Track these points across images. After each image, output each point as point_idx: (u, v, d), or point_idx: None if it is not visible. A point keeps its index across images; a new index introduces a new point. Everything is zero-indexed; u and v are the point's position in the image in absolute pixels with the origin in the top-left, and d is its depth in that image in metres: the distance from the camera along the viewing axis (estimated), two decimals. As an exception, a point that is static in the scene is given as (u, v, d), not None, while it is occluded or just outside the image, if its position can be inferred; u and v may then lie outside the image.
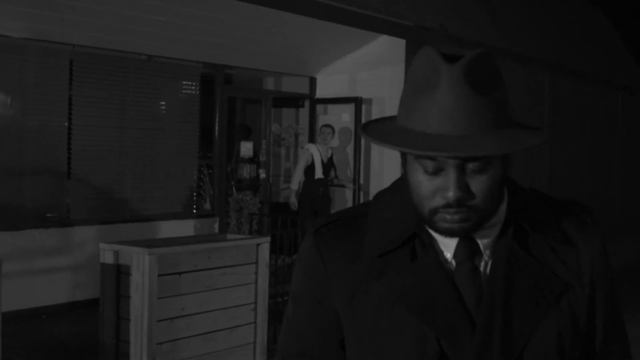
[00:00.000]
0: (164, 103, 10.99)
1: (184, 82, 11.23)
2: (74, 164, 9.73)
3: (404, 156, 1.76)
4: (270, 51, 12.11)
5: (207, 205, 11.75)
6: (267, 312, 7.64)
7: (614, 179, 21.52)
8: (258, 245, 7.56)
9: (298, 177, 12.20)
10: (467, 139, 1.60)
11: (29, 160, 9.35)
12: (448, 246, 1.78)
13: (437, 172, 1.67)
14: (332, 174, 12.53)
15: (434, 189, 1.68)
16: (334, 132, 12.57)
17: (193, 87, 11.32)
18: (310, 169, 12.16)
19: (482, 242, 1.79)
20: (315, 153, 12.19)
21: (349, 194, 13.28)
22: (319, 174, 12.17)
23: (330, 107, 13.66)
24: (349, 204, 13.17)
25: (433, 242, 1.78)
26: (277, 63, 12.68)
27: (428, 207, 1.70)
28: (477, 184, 1.67)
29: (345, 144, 13.54)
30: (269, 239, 7.72)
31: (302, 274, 1.90)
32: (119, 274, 6.70)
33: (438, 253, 1.78)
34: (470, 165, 1.66)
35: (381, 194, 1.96)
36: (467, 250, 1.78)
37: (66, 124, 9.62)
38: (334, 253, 1.85)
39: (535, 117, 16.55)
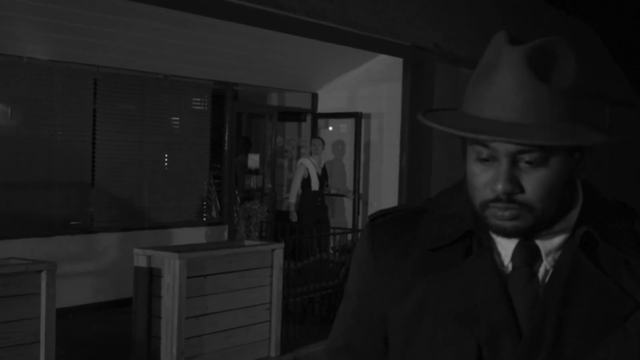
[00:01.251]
0: (178, 118, 11.73)
1: (196, 99, 11.97)
2: (98, 176, 10.44)
3: (464, 145, 1.65)
4: (274, 69, 12.84)
5: (214, 214, 12.43)
6: (280, 311, 8.37)
7: (604, 191, 22.14)
8: (273, 250, 8.30)
9: (296, 190, 12.75)
10: (519, 126, 1.49)
11: (56, 172, 10.05)
12: (507, 249, 1.64)
13: (489, 160, 1.56)
14: (327, 184, 13.16)
15: (486, 180, 1.57)
16: (323, 144, 13.12)
17: (204, 104, 12.06)
18: (306, 181, 12.72)
19: (544, 248, 1.64)
20: (310, 166, 12.76)
21: (348, 202, 14.03)
22: (315, 186, 12.74)
23: (331, 121, 14.43)
24: (349, 213, 13.95)
25: (491, 243, 1.65)
26: (281, 80, 13.40)
27: (480, 199, 1.59)
28: (531, 179, 1.54)
29: (340, 155, 14.30)
30: (282, 245, 8.47)
31: (354, 266, 1.83)
32: (151, 277, 7.43)
33: (494, 254, 1.64)
34: (525, 157, 1.53)
35: (445, 190, 1.86)
36: (526, 255, 1.64)
37: (91, 138, 10.34)
38: (385, 247, 1.75)
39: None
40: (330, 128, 14.34)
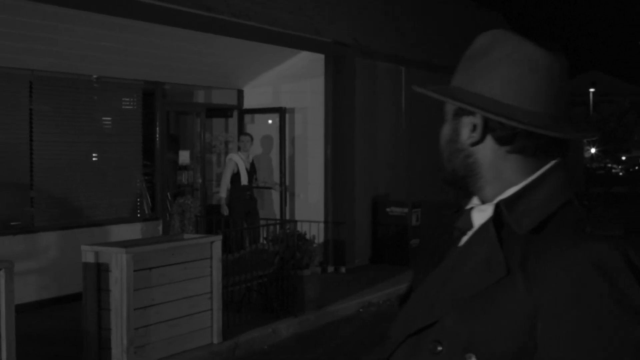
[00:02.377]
0: (110, 118, 12.08)
1: (127, 99, 12.32)
2: (36, 176, 10.72)
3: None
4: (201, 68, 13.27)
5: (146, 210, 12.78)
6: (221, 300, 8.87)
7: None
8: (212, 243, 8.77)
9: (226, 185, 13.15)
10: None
11: (-5, 174, 10.36)
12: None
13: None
14: (255, 178, 13.65)
15: None
16: (252, 139, 13.52)
17: (135, 103, 12.42)
18: (236, 176, 13.15)
19: (475, 217, 1.81)
20: (239, 162, 13.18)
21: (276, 194, 14.54)
22: (244, 180, 13.16)
23: (256, 116, 14.91)
24: (277, 205, 14.48)
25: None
26: (207, 78, 13.83)
27: None
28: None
29: (268, 150, 14.80)
30: (220, 237, 8.95)
31: None
32: (98, 271, 7.85)
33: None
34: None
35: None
36: (462, 222, 1.83)
37: (28, 140, 10.62)
38: None
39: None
40: (255, 123, 14.81)
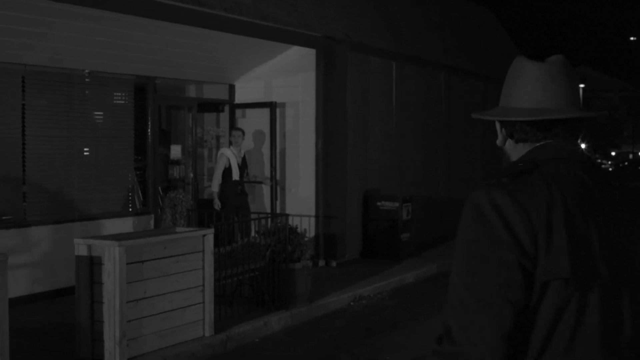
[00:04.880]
0: (102, 113, 12.12)
1: (119, 93, 12.36)
2: (28, 171, 10.75)
3: None
4: (193, 62, 13.31)
5: (137, 204, 12.83)
6: (213, 293, 8.93)
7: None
8: (204, 236, 8.83)
9: (218, 180, 13.23)
10: None
11: (-13, 168, 10.39)
12: None
13: None
14: (246, 173, 13.69)
15: None
16: (243, 134, 13.58)
17: (127, 97, 12.46)
18: (228, 171, 13.22)
19: None
20: (231, 157, 13.26)
21: (266, 189, 14.60)
22: (235, 175, 13.23)
23: (247, 111, 14.95)
24: (268, 199, 14.53)
25: None
26: (199, 73, 13.87)
27: None
28: None
29: (260, 144, 14.85)
30: (213, 230, 9.01)
31: None
32: (91, 264, 7.90)
33: None
34: None
35: None
36: None
37: (20, 134, 10.66)
38: None
39: (434, 115, 18.01)
40: (247, 118, 14.85)
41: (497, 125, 2.51)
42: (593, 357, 2.17)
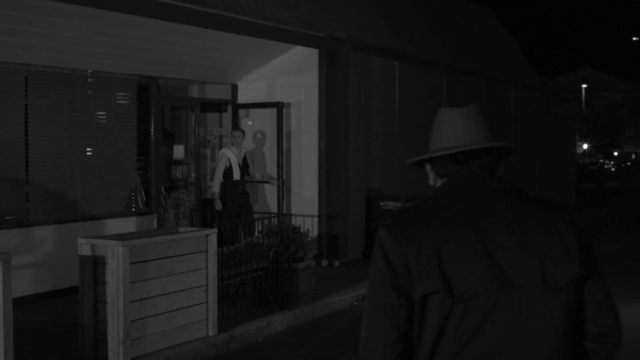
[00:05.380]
0: (105, 113, 12.12)
1: (122, 93, 12.36)
2: (31, 171, 10.76)
3: None
4: (196, 62, 13.32)
5: (140, 204, 12.83)
6: (216, 293, 8.92)
7: (509, 168, 22.75)
8: (207, 236, 8.82)
9: (219, 180, 13.26)
10: None
11: (-10, 168, 10.39)
12: None
13: None
14: (247, 173, 13.66)
15: None
16: (244, 134, 13.61)
17: (130, 97, 12.46)
18: (228, 171, 13.24)
19: None
20: (232, 157, 13.27)
21: (270, 189, 14.59)
22: (236, 175, 13.26)
23: (251, 111, 14.95)
24: (271, 199, 14.53)
25: None
26: (202, 73, 13.87)
27: None
28: None
29: (261, 144, 14.85)
30: (216, 230, 9.00)
31: None
32: (95, 264, 7.89)
33: None
34: None
35: None
36: None
37: (23, 134, 10.66)
38: None
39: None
40: (250, 122, 14.86)
41: (428, 167, 2.84)
42: (477, 357, 2.54)
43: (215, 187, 13.30)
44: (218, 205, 12.97)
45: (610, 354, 2.72)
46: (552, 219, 2.66)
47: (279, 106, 14.38)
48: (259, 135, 14.85)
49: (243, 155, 13.51)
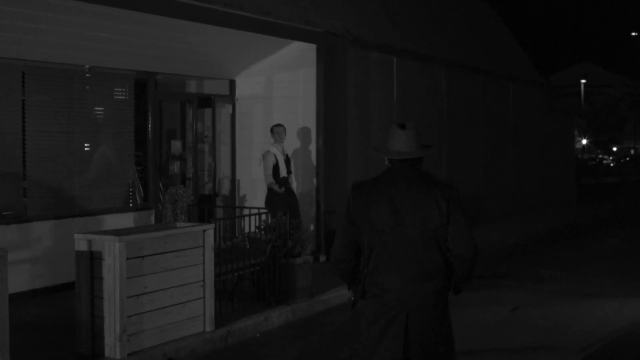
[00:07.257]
0: (103, 108, 12.11)
1: (120, 89, 12.35)
2: (29, 166, 10.75)
3: None
4: (193, 58, 13.30)
5: (138, 200, 12.81)
6: (213, 288, 8.91)
7: (509, 163, 22.83)
8: (204, 231, 8.82)
9: (270, 177, 12.74)
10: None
11: (-13, 164, 10.38)
12: None
13: None
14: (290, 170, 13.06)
15: None
16: (285, 130, 13.03)
17: (127, 93, 12.45)
18: (275, 168, 12.75)
19: None
20: (277, 154, 12.77)
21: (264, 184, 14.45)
22: (283, 171, 12.79)
23: (250, 106, 14.89)
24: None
25: None
26: (199, 68, 13.85)
27: None
28: None
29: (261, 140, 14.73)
30: (213, 225, 8.99)
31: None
32: (91, 259, 7.88)
33: None
34: None
35: None
36: None
37: (21, 130, 10.65)
38: None
39: (435, 110, 18.00)
40: (248, 113, 14.80)
41: (386, 158, 4.91)
42: (388, 268, 4.73)
43: (269, 179, 12.75)
44: (279, 189, 12.60)
45: (463, 267, 4.74)
46: (434, 191, 4.71)
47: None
48: (259, 130, 14.77)
49: (285, 152, 13.11)
